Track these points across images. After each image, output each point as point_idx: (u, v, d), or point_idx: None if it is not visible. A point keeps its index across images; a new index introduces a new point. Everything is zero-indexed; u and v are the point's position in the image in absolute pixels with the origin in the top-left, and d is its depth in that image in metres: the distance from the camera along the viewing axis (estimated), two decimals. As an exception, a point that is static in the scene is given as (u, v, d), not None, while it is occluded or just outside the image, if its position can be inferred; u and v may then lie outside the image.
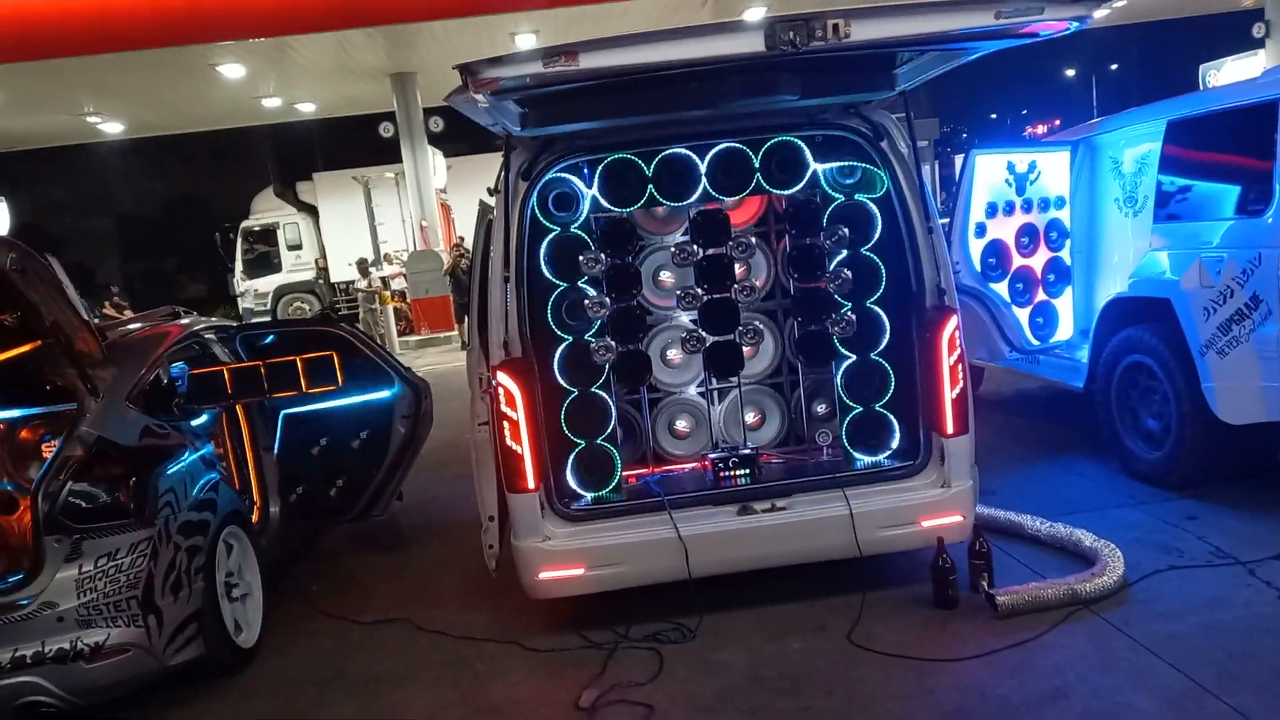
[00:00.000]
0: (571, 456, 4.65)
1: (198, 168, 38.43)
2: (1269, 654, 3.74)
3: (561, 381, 4.68)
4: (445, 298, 18.49)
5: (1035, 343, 7.13)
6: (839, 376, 4.87)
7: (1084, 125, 7.46)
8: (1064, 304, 7.25)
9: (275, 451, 5.79)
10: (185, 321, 5.63)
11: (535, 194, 4.55)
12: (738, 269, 5.00)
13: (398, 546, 6.32)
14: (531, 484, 4.38)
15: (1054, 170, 7.09)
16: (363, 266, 19.43)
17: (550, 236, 4.68)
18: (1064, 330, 7.25)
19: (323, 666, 4.62)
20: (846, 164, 4.78)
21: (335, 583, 5.76)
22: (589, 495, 4.64)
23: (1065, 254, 7.20)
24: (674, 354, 5.23)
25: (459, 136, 20.50)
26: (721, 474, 4.68)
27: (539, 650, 4.47)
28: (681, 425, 5.24)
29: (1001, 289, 7.06)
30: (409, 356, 16.54)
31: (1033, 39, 3.93)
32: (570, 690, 4.03)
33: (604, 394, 4.76)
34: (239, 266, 25.28)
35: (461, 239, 19.21)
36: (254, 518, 5.47)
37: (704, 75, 4.05)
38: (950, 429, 4.48)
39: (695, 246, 4.86)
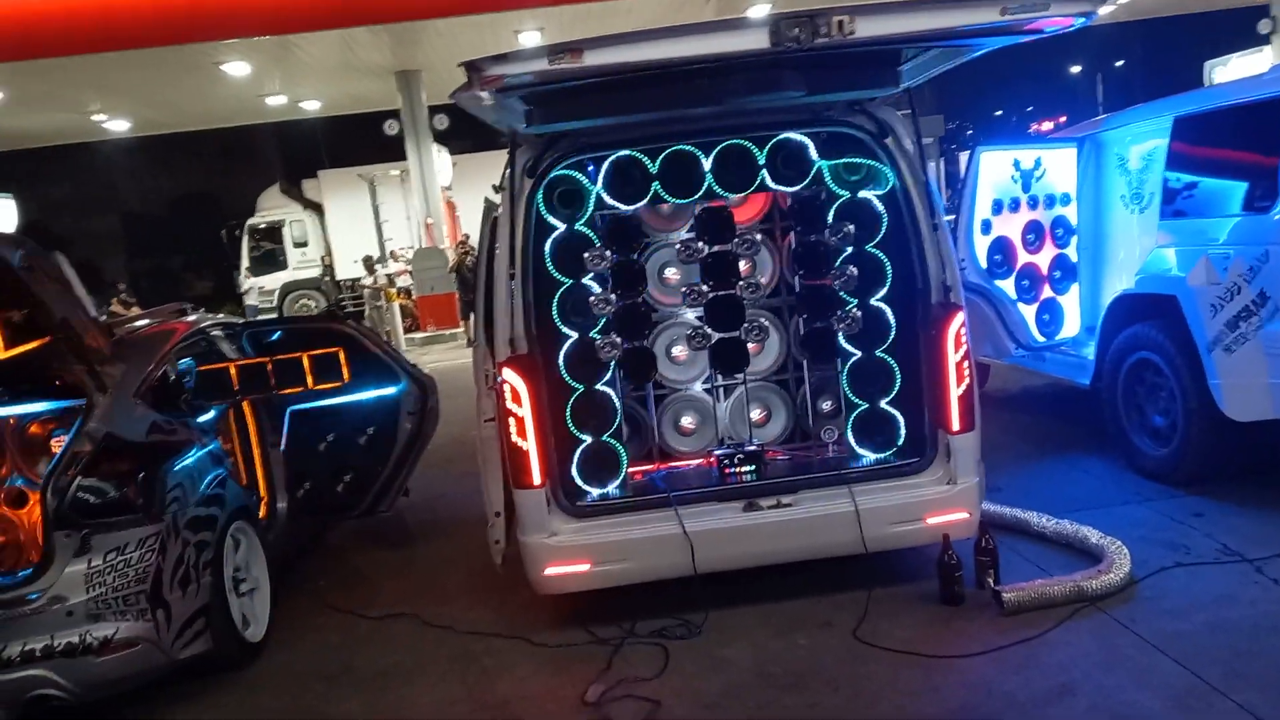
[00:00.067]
0: (577, 453, 4.66)
1: (203, 166, 38.51)
2: (1276, 652, 3.74)
3: (567, 378, 4.69)
4: (450, 295, 18.52)
5: (1041, 339, 7.12)
6: (844, 373, 4.88)
7: (1090, 122, 7.44)
8: (1070, 301, 7.25)
9: (282, 447, 5.81)
10: (192, 318, 5.65)
11: (540, 191, 4.55)
12: (743, 266, 5.01)
13: (404, 542, 6.33)
14: (537, 480, 4.39)
15: (1060, 167, 7.08)
16: (369, 263, 19.45)
17: (555, 233, 4.68)
18: (1070, 327, 7.25)
19: (330, 661, 4.63)
20: (852, 161, 4.78)
21: (342, 578, 5.78)
22: (595, 491, 4.65)
23: (1071, 251, 7.20)
24: (679, 351, 5.23)
25: (464, 134, 20.47)
26: (727, 470, 4.68)
27: (546, 645, 4.48)
28: (687, 422, 5.25)
29: (1007, 286, 7.06)
30: (415, 353, 16.56)
31: (1038, 35, 3.93)
32: (577, 686, 4.04)
33: (609, 390, 4.77)
34: (244, 264, 25.31)
35: (467, 236, 19.23)
36: (261, 513, 5.49)
37: (709, 72, 4.05)
38: (956, 426, 4.48)
39: (700, 243, 4.86)
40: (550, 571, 4.44)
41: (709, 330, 4.90)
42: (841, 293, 4.84)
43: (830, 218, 4.84)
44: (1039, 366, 7.24)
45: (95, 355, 4.41)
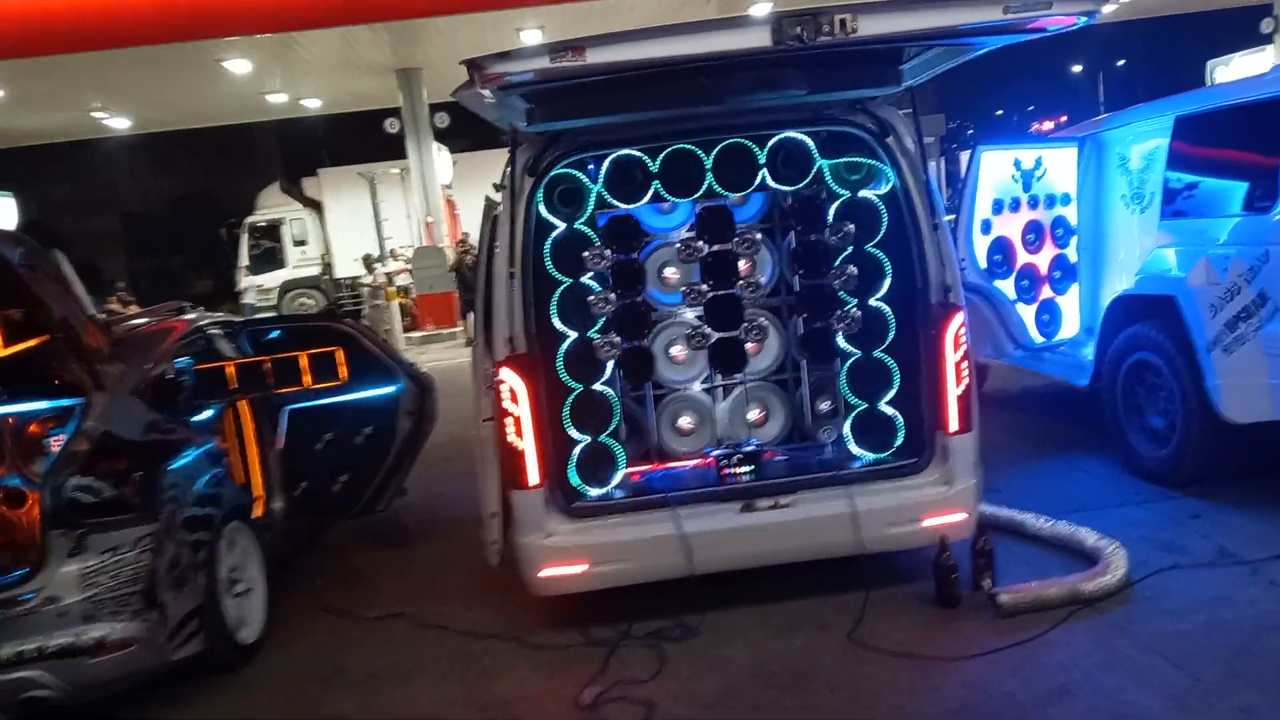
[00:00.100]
0: (575, 453, 4.65)
1: (203, 164, 38.47)
2: (1275, 653, 3.73)
3: (565, 378, 4.67)
4: (448, 294, 18.51)
5: (1040, 340, 7.11)
6: (843, 373, 4.86)
7: (1091, 121, 7.43)
8: (1069, 301, 7.23)
9: (279, 447, 5.80)
10: (191, 317, 5.64)
11: (541, 190, 4.54)
12: (742, 265, 4.99)
13: (402, 542, 6.32)
14: (534, 480, 4.37)
15: (1060, 167, 7.07)
16: (368, 262, 19.43)
17: (555, 232, 4.67)
18: (1069, 327, 7.23)
19: (326, 662, 4.62)
20: (853, 160, 4.77)
21: (339, 578, 5.77)
22: (592, 492, 4.64)
23: (1071, 251, 7.18)
24: (678, 350, 5.21)
25: (465, 132, 20.47)
26: (725, 471, 4.67)
27: (543, 647, 4.47)
28: (685, 422, 5.23)
29: (1007, 286, 7.04)
30: (414, 352, 16.55)
31: (1040, 34, 3.91)
32: (573, 687, 4.03)
33: (608, 390, 4.75)
34: (243, 262, 25.30)
35: (466, 235, 19.22)
36: (258, 513, 5.48)
37: (710, 71, 4.04)
38: (954, 426, 4.46)
39: (700, 242, 4.85)
40: (546, 572, 4.42)
41: (708, 330, 4.88)
42: (841, 292, 4.83)
43: (831, 217, 4.83)
44: (1038, 367, 7.22)
45: (94, 354, 4.40)
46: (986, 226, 6.97)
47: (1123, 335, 5.97)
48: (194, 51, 15.43)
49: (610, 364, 4.74)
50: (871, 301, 4.79)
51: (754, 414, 5.24)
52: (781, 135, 4.66)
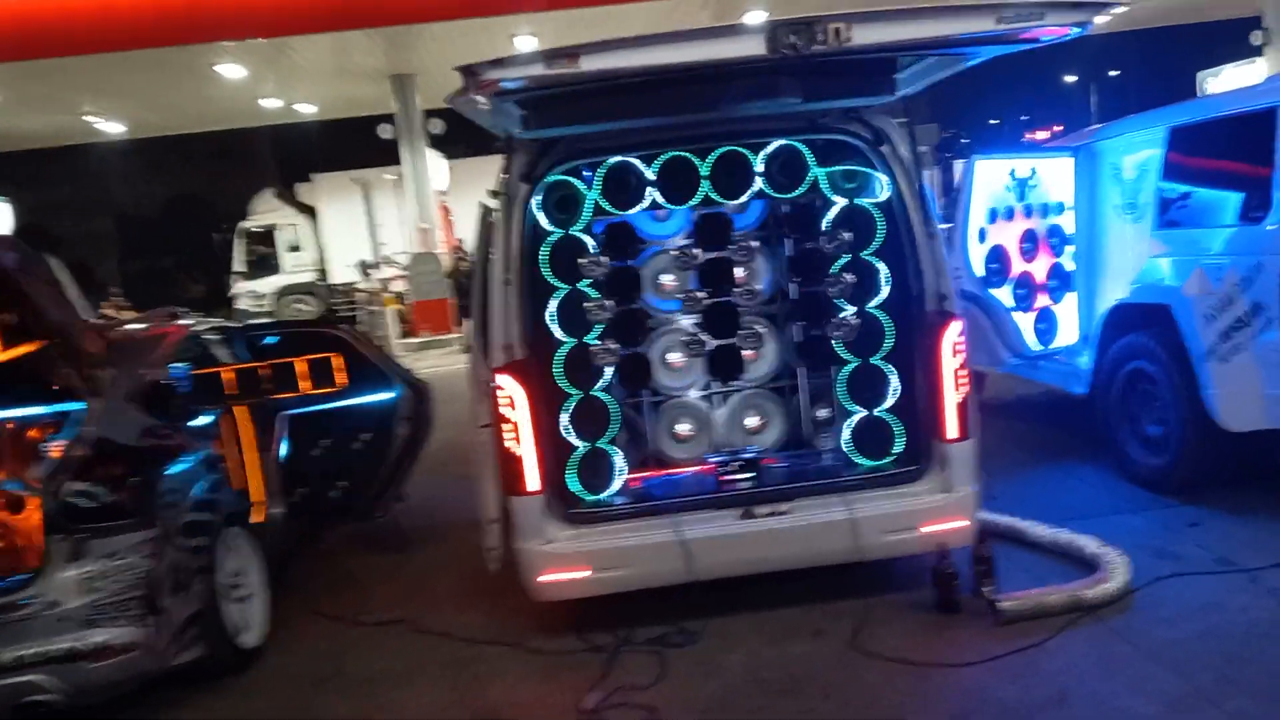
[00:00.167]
0: (573, 459, 4.65)
1: (198, 168, 38.38)
2: (1268, 659, 3.75)
3: (563, 384, 4.68)
4: (443, 300, 18.48)
5: (1037, 348, 7.13)
6: (840, 381, 4.87)
7: (1085, 131, 7.47)
8: (1066, 310, 7.26)
9: (277, 452, 5.79)
10: (186, 322, 5.63)
11: (537, 196, 4.55)
12: (739, 273, 5.00)
13: (399, 548, 6.30)
14: (533, 487, 4.38)
15: (1055, 176, 7.10)
16: (363, 268, 19.38)
17: (551, 239, 4.68)
18: (1066, 336, 7.26)
19: (323, 666, 4.62)
20: (848, 168, 4.79)
21: (337, 583, 5.76)
22: (590, 498, 4.64)
23: (1067, 259, 7.21)
24: (675, 357, 5.22)
25: (459, 139, 20.47)
26: (724, 478, 4.67)
27: (540, 652, 4.47)
28: (683, 428, 5.23)
29: (1003, 294, 7.06)
30: (410, 358, 16.51)
31: (1034, 44, 3.94)
32: (570, 693, 4.03)
33: (606, 397, 4.76)
34: (236, 268, 25.23)
35: (462, 241, 19.19)
36: (256, 518, 5.46)
37: (705, 78, 4.05)
38: (953, 434, 4.48)
39: (697, 249, 4.86)
40: (546, 578, 4.42)
41: (705, 337, 4.89)
42: (837, 300, 4.84)
43: (826, 224, 4.85)
44: (1034, 375, 7.24)
45: (89, 359, 4.39)
46: (982, 235, 6.99)
47: (1119, 344, 5.99)
48: (188, 56, 15.43)
49: (608, 370, 4.74)
50: (868, 309, 4.80)
51: (752, 421, 5.25)
52: (777, 143, 4.68)
